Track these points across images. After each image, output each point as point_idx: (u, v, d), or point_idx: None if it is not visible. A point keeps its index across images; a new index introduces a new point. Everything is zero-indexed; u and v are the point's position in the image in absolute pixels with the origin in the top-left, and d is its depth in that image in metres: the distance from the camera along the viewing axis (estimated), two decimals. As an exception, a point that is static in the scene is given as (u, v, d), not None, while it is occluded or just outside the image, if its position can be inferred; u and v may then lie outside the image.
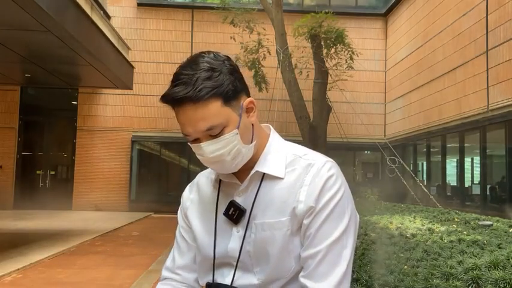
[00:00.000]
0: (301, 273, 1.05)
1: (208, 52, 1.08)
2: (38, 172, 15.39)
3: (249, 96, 1.11)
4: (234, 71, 1.08)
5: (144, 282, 5.36)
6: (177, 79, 1.03)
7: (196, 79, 1.01)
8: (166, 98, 1.03)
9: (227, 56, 1.09)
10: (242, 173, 1.14)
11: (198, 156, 1.08)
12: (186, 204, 1.26)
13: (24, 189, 14.92)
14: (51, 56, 9.13)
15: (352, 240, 1.07)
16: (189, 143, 1.09)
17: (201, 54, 1.07)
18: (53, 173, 15.61)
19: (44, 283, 5.35)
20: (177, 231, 1.28)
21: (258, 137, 1.13)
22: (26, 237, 8.50)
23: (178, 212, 1.28)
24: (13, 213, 13.22)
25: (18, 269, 5.81)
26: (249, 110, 1.10)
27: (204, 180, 1.25)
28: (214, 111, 1.02)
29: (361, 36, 16.15)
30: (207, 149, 1.05)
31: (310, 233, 1.05)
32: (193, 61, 1.05)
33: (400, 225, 5.25)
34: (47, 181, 15.41)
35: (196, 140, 1.06)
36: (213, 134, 1.04)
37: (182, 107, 1.02)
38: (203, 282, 1.18)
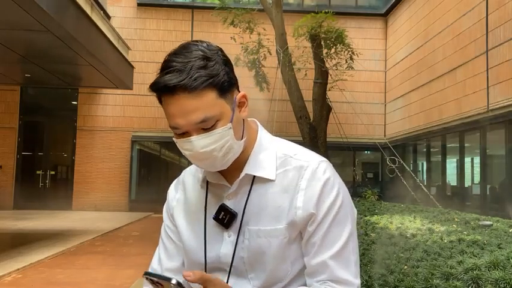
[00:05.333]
0: (316, 278, 1.02)
1: (201, 41, 1.00)
2: (38, 172, 15.38)
3: (239, 90, 1.04)
4: (228, 62, 1.01)
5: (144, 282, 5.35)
6: (168, 66, 0.94)
7: (191, 67, 0.93)
8: (157, 86, 0.94)
9: (219, 47, 1.02)
10: (230, 173, 1.07)
11: (185, 152, 1.00)
12: (172, 204, 1.19)
13: (24, 189, 14.91)
14: (51, 56, 9.12)
15: (356, 240, 1.07)
16: (174, 139, 1.01)
17: (193, 43, 0.99)
18: (53, 173, 15.60)
19: (44, 283, 5.34)
20: (162, 231, 1.21)
21: (247, 133, 1.06)
22: (26, 237, 8.50)
23: (164, 210, 1.21)
24: (13, 213, 13.22)
25: (18, 269, 5.81)
26: (241, 105, 1.03)
27: (190, 178, 1.18)
28: (210, 102, 0.95)
29: (361, 36, 16.14)
30: (198, 144, 0.97)
31: (315, 240, 1.02)
32: (185, 48, 0.97)
33: (400, 225, 5.25)
34: (47, 181, 15.40)
35: (185, 134, 0.98)
36: (206, 126, 0.96)
37: (174, 96, 0.94)
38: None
